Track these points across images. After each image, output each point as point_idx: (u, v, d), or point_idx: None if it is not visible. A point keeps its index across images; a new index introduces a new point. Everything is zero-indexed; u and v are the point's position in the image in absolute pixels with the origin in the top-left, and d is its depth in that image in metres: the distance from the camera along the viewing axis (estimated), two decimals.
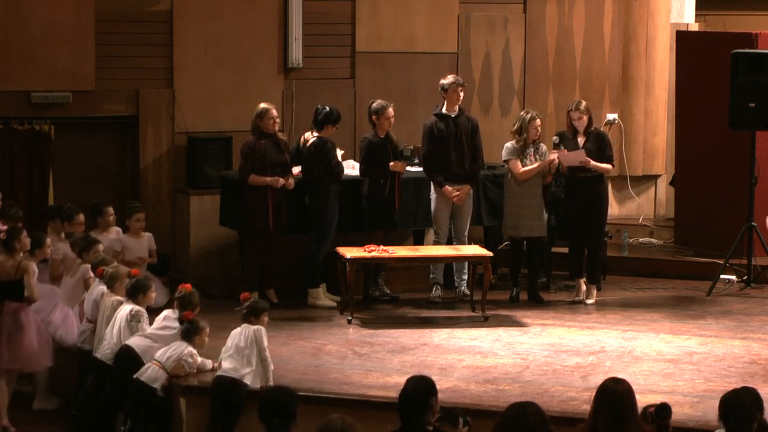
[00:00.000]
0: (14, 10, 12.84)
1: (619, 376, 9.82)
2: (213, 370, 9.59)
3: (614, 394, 6.78)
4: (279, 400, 7.02)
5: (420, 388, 7.06)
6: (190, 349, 9.54)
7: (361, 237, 12.42)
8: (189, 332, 9.57)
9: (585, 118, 12.50)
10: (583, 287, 12.61)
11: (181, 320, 9.64)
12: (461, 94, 12.60)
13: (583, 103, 12.67)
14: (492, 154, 13.17)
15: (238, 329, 9.45)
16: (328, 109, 12.34)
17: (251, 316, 9.51)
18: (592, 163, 12.29)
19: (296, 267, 12.93)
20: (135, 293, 9.95)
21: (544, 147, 12.67)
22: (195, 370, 9.57)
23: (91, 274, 10.54)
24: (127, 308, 9.87)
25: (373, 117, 12.54)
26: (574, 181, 12.50)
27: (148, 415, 9.46)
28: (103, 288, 10.19)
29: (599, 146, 12.45)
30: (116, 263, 10.51)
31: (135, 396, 9.44)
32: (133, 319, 9.79)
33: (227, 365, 9.30)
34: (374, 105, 12.56)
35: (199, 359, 9.60)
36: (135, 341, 9.69)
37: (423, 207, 12.86)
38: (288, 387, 7.33)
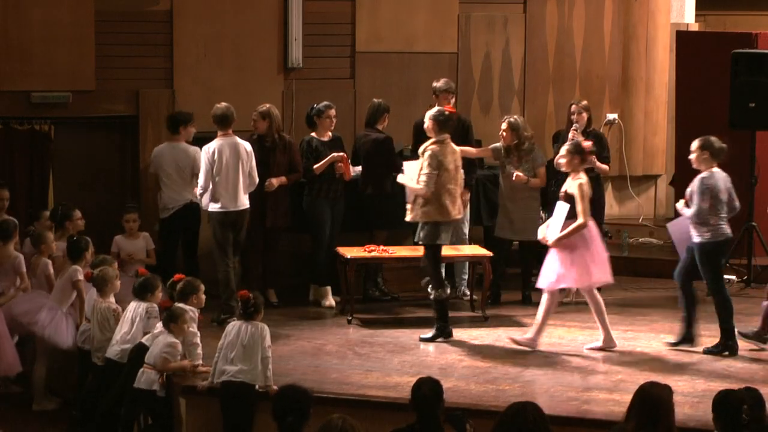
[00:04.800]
0: (14, 10, 12.84)
1: (619, 376, 9.94)
2: (203, 371, 9.53)
3: (651, 397, 6.77)
4: (294, 398, 7.08)
5: (437, 388, 7.32)
6: (170, 339, 9.40)
7: (364, 237, 12.46)
8: (167, 320, 9.48)
9: (584, 115, 12.50)
10: (573, 289, 12.62)
11: (160, 309, 9.62)
12: (451, 101, 12.62)
13: (584, 101, 12.73)
14: None
15: (234, 328, 9.34)
16: (309, 108, 12.49)
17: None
18: (596, 162, 12.29)
19: (296, 267, 12.95)
20: (143, 292, 9.93)
21: (538, 151, 12.57)
22: (180, 358, 9.42)
23: (80, 277, 10.53)
24: (140, 307, 9.85)
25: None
26: None
27: (153, 417, 9.47)
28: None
29: (598, 147, 12.44)
30: (110, 266, 10.47)
31: (136, 403, 9.42)
32: (150, 316, 9.77)
33: (234, 367, 9.21)
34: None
35: (180, 348, 9.42)
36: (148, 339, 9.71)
37: None
38: (302, 386, 7.37)
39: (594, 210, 12.55)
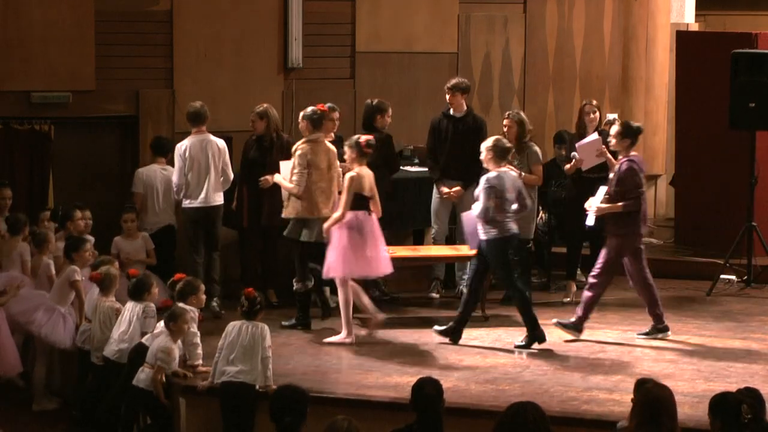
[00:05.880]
0: (14, 10, 12.84)
1: (619, 376, 9.94)
2: (203, 372, 9.53)
3: (652, 398, 6.76)
4: (291, 398, 7.08)
5: (439, 388, 7.37)
6: (165, 344, 9.36)
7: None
8: (167, 320, 9.45)
9: (597, 114, 12.58)
10: (573, 288, 12.63)
11: (160, 308, 9.63)
12: (461, 100, 12.59)
13: (595, 101, 12.80)
14: None
15: (235, 328, 9.32)
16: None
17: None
18: (608, 154, 12.29)
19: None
20: (138, 293, 9.93)
21: (534, 148, 12.52)
22: (175, 362, 9.40)
23: (77, 277, 10.53)
24: (137, 307, 9.85)
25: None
26: (579, 181, 12.45)
27: (153, 417, 9.46)
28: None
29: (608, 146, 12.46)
30: (111, 266, 10.47)
31: (136, 402, 9.41)
32: (147, 315, 9.77)
33: (234, 368, 9.19)
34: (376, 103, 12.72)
35: (176, 353, 9.40)
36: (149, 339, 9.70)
37: (423, 207, 12.85)
38: (299, 386, 7.37)
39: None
